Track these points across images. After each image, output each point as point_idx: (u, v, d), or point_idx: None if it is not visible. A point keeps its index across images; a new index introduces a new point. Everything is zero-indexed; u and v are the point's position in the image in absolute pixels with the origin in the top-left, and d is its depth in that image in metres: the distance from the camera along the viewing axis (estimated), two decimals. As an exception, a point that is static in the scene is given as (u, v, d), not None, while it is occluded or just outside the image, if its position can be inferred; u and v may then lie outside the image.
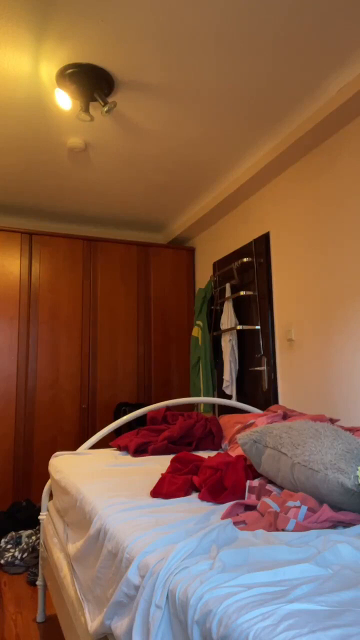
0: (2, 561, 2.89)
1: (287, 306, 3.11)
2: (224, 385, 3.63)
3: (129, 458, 2.15)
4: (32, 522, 3.34)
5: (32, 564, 2.88)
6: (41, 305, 3.88)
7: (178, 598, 0.83)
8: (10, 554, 2.92)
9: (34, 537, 3.03)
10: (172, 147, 3.11)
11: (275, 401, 3.18)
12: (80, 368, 3.93)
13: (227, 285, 3.71)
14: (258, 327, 3.41)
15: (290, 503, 1.15)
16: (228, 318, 3.66)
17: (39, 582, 2.28)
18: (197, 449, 2.30)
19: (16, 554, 2.91)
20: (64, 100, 2.48)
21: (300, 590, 0.77)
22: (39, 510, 3.41)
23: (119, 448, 2.36)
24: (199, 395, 3.87)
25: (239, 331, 3.66)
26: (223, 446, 2.32)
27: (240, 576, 0.81)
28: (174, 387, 4.23)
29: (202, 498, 1.39)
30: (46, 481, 3.70)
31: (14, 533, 3.09)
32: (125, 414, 3.72)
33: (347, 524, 1.11)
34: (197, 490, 1.51)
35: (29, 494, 3.66)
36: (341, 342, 2.62)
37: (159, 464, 1.97)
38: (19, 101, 2.60)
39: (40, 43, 2.16)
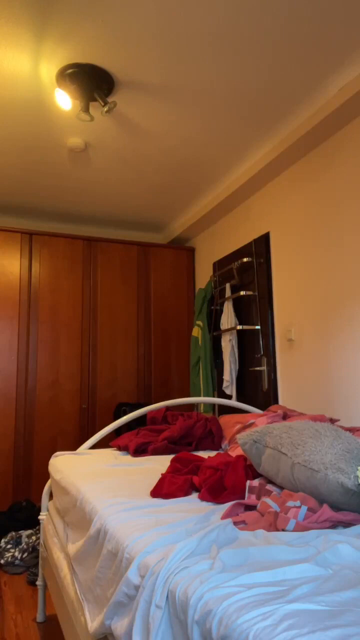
0: (2, 561, 2.89)
1: (287, 306, 3.11)
2: (224, 385, 3.63)
3: (129, 458, 2.15)
4: (32, 522, 3.34)
5: (32, 564, 2.88)
6: (41, 305, 3.88)
7: (178, 598, 0.83)
8: (10, 554, 2.92)
9: (34, 537, 3.03)
10: (172, 147, 3.11)
11: (275, 401, 3.18)
12: (80, 368, 3.93)
13: (227, 285, 3.71)
14: (258, 327, 3.41)
15: (290, 503, 1.15)
16: (228, 318, 3.66)
17: (39, 582, 2.28)
18: (197, 449, 2.30)
19: (16, 554, 2.91)
20: (64, 100, 2.48)
21: (300, 590, 0.77)
22: (39, 510, 3.41)
23: (119, 448, 2.36)
24: (199, 395, 3.87)
25: (239, 331, 3.66)
26: (223, 446, 2.32)
27: (240, 576, 0.81)
28: (174, 387, 4.23)
29: (202, 498, 1.39)
30: (46, 481, 3.70)
31: (14, 533, 3.09)
32: (125, 414, 3.72)
33: (347, 524, 1.11)
34: (197, 490, 1.51)
35: (29, 494, 3.66)
36: (341, 342, 2.62)
37: (159, 464, 1.97)
38: (19, 101, 2.59)
39: (40, 43, 2.16)
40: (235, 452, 1.88)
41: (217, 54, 2.25)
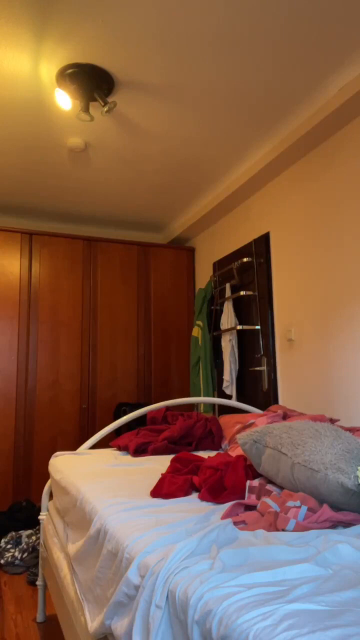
0: (2, 561, 2.89)
1: (287, 306, 3.11)
2: (224, 385, 3.63)
3: (129, 458, 2.15)
4: (32, 522, 3.34)
5: (32, 564, 2.88)
6: (41, 305, 3.88)
7: (178, 598, 0.83)
8: (10, 554, 2.92)
9: (34, 537, 3.03)
10: (172, 147, 3.11)
11: (275, 401, 3.18)
12: (80, 368, 3.93)
13: (227, 285, 3.71)
14: (258, 327, 3.41)
15: (290, 503, 1.15)
16: (228, 318, 3.66)
17: (39, 582, 2.28)
18: (197, 449, 2.30)
19: (16, 554, 2.91)
20: (64, 100, 2.48)
21: (300, 590, 0.77)
22: (39, 510, 3.41)
23: (119, 448, 2.36)
24: (199, 395, 3.87)
25: (239, 331, 3.66)
26: (223, 446, 2.32)
27: (240, 576, 0.81)
28: (174, 387, 4.23)
29: (202, 498, 1.39)
30: (46, 481, 3.70)
31: (14, 533, 3.09)
32: (125, 414, 3.72)
33: (347, 524, 1.11)
34: (197, 490, 1.51)
35: (29, 494, 3.66)
36: (341, 342, 2.62)
37: (159, 464, 1.97)
38: (19, 101, 2.59)
39: (40, 43, 2.16)
40: (235, 452, 1.88)
41: (217, 54, 2.25)
